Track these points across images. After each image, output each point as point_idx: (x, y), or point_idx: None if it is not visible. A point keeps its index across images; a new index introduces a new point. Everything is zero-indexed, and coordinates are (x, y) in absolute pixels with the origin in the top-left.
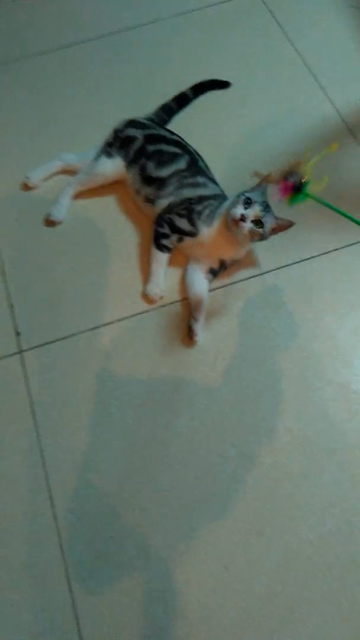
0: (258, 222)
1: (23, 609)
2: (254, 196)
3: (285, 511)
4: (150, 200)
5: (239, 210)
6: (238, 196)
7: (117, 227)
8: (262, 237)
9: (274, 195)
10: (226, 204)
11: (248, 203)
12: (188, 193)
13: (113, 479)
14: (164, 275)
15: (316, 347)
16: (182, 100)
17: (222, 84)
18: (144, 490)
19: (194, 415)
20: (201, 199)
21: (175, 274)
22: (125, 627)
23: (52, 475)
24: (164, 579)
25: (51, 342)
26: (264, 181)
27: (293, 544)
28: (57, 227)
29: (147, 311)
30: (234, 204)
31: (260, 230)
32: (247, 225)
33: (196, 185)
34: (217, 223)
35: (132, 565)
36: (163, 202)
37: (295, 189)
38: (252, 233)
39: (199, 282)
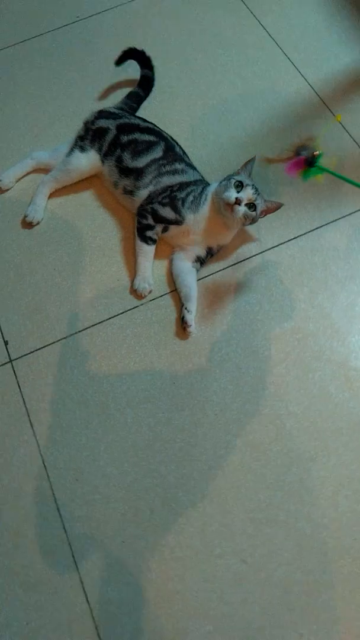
0: (251, 205)
1: (41, 625)
2: (244, 179)
3: (296, 497)
4: (129, 192)
5: (233, 193)
6: (228, 179)
7: (96, 223)
8: (253, 221)
9: (286, 172)
10: (211, 188)
11: (239, 186)
12: (168, 181)
13: (119, 482)
14: (152, 269)
15: (311, 327)
16: (146, 83)
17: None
18: (152, 490)
19: (194, 408)
20: (182, 186)
21: (161, 265)
22: (145, 631)
23: (57, 485)
24: (182, 579)
25: (41, 348)
26: (249, 163)
27: (307, 530)
28: (34, 229)
29: (136, 307)
30: (225, 188)
31: (254, 213)
32: (242, 209)
33: (175, 172)
34: (204, 209)
35: (148, 568)
36: (143, 193)
37: (308, 163)
38: (245, 217)
39: (187, 272)
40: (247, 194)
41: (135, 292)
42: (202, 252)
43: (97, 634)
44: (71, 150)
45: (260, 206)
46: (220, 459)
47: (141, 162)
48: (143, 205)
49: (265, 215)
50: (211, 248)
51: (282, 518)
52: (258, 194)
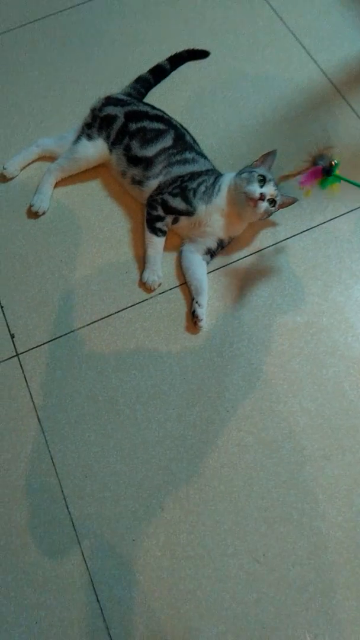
0: (272, 201)
1: (50, 625)
2: (266, 173)
3: (310, 496)
4: (138, 182)
5: (257, 188)
6: (249, 172)
7: (104, 214)
8: (269, 215)
9: (301, 183)
10: (225, 178)
11: (262, 180)
12: (178, 170)
13: (129, 479)
14: (161, 261)
15: (325, 321)
16: (158, 73)
17: (201, 54)
18: (163, 487)
19: (205, 404)
20: (193, 176)
21: (171, 257)
22: (156, 631)
23: (65, 482)
24: (194, 579)
25: (48, 342)
26: (269, 156)
27: (322, 529)
28: (40, 218)
29: (145, 300)
30: (247, 182)
31: (273, 208)
32: (265, 204)
33: (185, 161)
34: (218, 200)
35: (159, 566)
36: (152, 183)
37: (325, 172)
38: (265, 212)
39: (197, 264)
40: (269, 190)
41: (144, 285)
42: (213, 244)
43: (107, 633)
44: (78, 138)
45: (280, 202)
46: (232, 457)
47: (150, 151)
48: (153, 195)
49: (278, 209)
50: (222, 240)
51: (296, 517)
52: (277, 187)
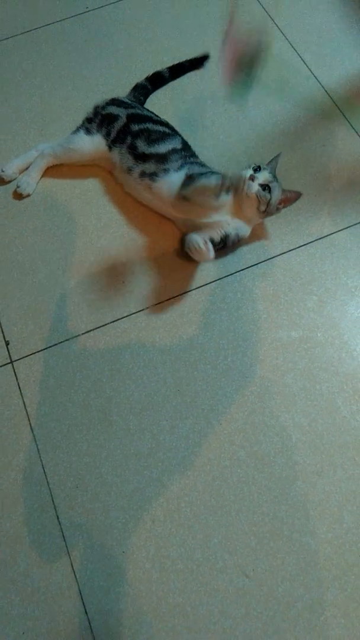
0: (266, 187)
1: (37, 635)
2: (263, 165)
3: (301, 511)
4: (149, 175)
5: (249, 171)
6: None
7: (102, 222)
8: (269, 208)
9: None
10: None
11: (257, 169)
12: (198, 168)
13: (120, 490)
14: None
15: (320, 337)
16: (157, 81)
17: (200, 60)
18: (154, 499)
19: (199, 417)
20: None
21: (168, 269)
22: None
23: (56, 492)
24: (183, 592)
25: (43, 350)
26: (275, 158)
27: (312, 545)
28: (39, 227)
29: (141, 310)
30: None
31: (268, 196)
32: (255, 185)
33: (201, 164)
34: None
35: (149, 579)
36: (169, 177)
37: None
38: (259, 200)
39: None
40: (263, 175)
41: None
42: (217, 237)
43: None
44: (77, 129)
45: (277, 192)
46: (224, 470)
47: (161, 148)
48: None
49: (284, 205)
50: (228, 236)
51: (286, 532)
52: (276, 181)
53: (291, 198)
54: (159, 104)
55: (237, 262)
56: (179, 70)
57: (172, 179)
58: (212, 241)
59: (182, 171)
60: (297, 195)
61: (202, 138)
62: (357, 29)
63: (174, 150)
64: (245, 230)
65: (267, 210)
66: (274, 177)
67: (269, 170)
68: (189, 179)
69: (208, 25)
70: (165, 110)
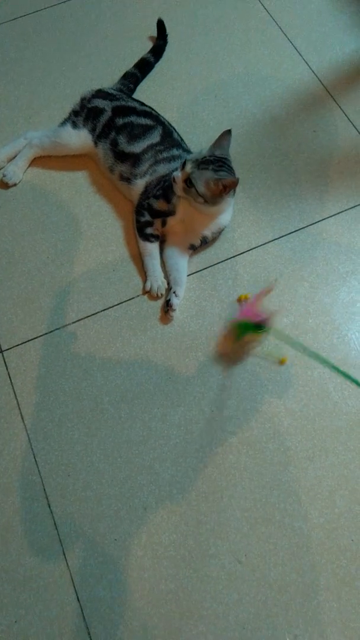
0: (187, 181)
1: (29, 624)
2: (193, 156)
3: (293, 496)
4: (126, 179)
5: (176, 172)
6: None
7: (92, 210)
8: (204, 197)
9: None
10: None
11: (183, 165)
12: (163, 169)
13: (112, 478)
14: (160, 266)
15: (311, 323)
16: (144, 66)
17: (161, 31)
18: (146, 487)
19: (190, 404)
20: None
21: None
22: (137, 631)
23: (48, 480)
24: (175, 578)
25: (33, 339)
26: (223, 137)
27: (304, 530)
28: (28, 215)
29: (132, 298)
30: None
31: (193, 190)
32: (179, 185)
33: (172, 158)
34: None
35: (141, 566)
36: (139, 182)
37: (256, 326)
38: (187, 192)
39: (179, 255)
40: (184, 171)
41: (149, 294)
42: (196, 241)
43: (87, 632)
44: (64, 122)
45: (200, 181)
46: (216, 457)
47: (138, 147)
48: (140, 201)
49: (226, 190)
50: (206, 237)
51: (278, 518)
52: (200, 170)
53: (228, 183)
54: (149, 91)
55: (228, 249)
56: (158, 50)
57: (140, 185)
58: (192, 245)
59: (146, 177)
60: (233, 181)
61: (193, 125)
62: (348, 14)
63: (149, 147)
64: (215, 224)
65: (207, 199)
66: (201, 163)
67: (194, 160)
68: (142, 202)
69: (197, 13)
70: (155, 97)
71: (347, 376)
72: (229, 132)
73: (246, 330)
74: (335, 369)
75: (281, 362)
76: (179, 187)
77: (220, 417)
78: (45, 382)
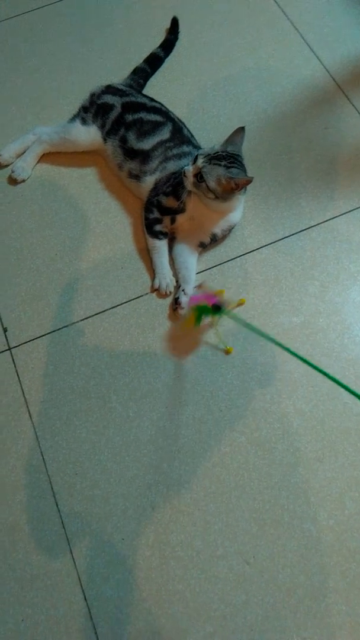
0: (197, 176)
1: (36, 622)
2: (205, 151)
3: (302, 498)
4: (135, 176)
5: (187, 166)
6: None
7: (100, 207)
8: (215, 192)
9: (194, 298)
10: None
11: (195, 160)
12: (173, 166)
13: (119, 477)
14: (168, 264)
15: (322, 322)
16: (154, 61)
17: (173, 27)
18: (154, 486)
19: (199, 404)
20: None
21: None
22: (143, 631)
23: (55, 479)
24: (183, 579)
25: (41, 336)
26: (236, 134)
27: (313, 532)
28: (37, 212)
29: (140, 296)
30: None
31: (203, 185)
32: (189, 180)
33: (182, 155)
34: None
35: (148, 566)
36: (149, 179)
37: (215, 308)
38: (197, 187)
39: (188, 253)
40: (195, 166)
41: (157, 292)
42: (206, 239)
43: (94, 632)
44: (73, 118)
45: (211, 176)
46: (224, 457)
47: (147, 143)
48: (149, 198)
49: (239, 188)
50: (215, 234)
51: (287, 519)
52: (212, 165)
53: (240, 182)
54: (159, 86)
55: (238, 246)
56: (168, 45)
57: (149, 183)
58: (202, 243)
59: (156, 174)
60: (247, 180)
61: (203, 121)
62: (359, 10)
63: (159, 144)
64: (225, 221)
65: (218, 194)
66: (213, 158)
67: (205, 154)
68: (152, 199)
69: (208, 8)
70: (165, 93)
71: (313, 366)
72: (242, 129)
73: (205, 313)
74: (291, 352)
75: (227, 352)
76: (189, 182)
77: (229, 417)
78: (53, 380)
